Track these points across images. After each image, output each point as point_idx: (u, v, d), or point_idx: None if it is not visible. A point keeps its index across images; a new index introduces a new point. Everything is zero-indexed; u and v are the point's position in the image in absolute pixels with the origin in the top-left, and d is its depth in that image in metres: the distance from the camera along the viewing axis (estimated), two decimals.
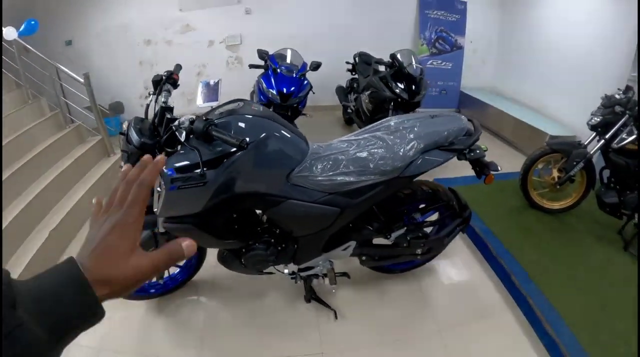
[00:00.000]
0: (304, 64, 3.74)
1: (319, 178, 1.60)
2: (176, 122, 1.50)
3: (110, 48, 5.50)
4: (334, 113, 5.32)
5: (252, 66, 3.68)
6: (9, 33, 3.78)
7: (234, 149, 1.43)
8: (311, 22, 5.13)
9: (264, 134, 1.52)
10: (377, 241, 2.01)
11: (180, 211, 1.58)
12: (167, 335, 2.09)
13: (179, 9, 5.18)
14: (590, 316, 1.94)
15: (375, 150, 1.64)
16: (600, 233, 2.60)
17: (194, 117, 1.49)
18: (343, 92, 4.77)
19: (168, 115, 1.61)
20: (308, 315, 2.12)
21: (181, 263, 2.24)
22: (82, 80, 3.84)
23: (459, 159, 1.74)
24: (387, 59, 3.67)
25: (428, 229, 2.10)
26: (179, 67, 2.04)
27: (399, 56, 3.49)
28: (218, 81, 4.34)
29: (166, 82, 1.80)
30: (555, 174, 2.73)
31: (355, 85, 4.44)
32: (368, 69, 4.06)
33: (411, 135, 1.65)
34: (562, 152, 2.68)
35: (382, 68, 3.62)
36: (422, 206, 2.04)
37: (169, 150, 1.57)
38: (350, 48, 4.66)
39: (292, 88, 3.44)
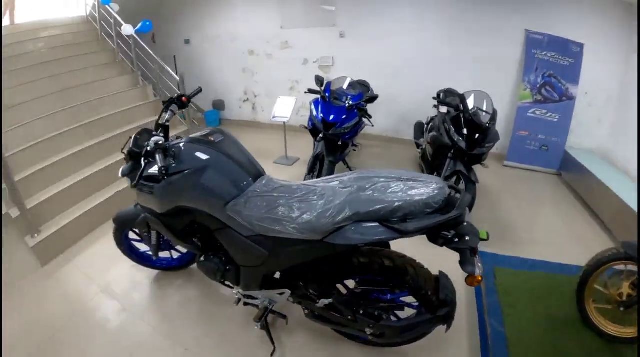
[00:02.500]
0: (360, 94, 3.55)
1: (250, 216, 1.56)
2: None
3: (220, 52, 6.25)
4: (414, 150, 4.92)
5: (309, 91, 3.62)
6: (127, 29, 4.74)
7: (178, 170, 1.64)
8: (404, 51, 4.90)
9: (201, 164, 1.65)
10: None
11: (149, 207, 1.87)
12: (147, 301, 2.56)
13: (280, 27, 5.56)
14: None
15: (304, 204, 1.49)
16: None
17: (159, 139, 1.68)
18: (420, 130, 4.41)
19: (154, 132, 1.88)
20: (253, 339, 2.15)
21: (184, 251, 2.65)
22: (177, 78, 4.46)
23: (430, 241, 1.39)
24: None
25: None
26: (198, 90, 2.23)
27: (468, 98, 3.03)
28: (294, 100, 4.56)
29: (174, 103, 2.00)
30: (626, 289, 1.97)
31: (431, 123, 4.06)
32: None
33: (349, 197, 1.41)
34: None
35: (443, 109, 3.15)
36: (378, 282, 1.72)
37: (151, 159, 1.73)
38: (443, 83, 4.28)
39: (343, 116, 3.28)
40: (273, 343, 2.03)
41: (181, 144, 1.72)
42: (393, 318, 1.81)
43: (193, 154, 1.68)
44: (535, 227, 3.33)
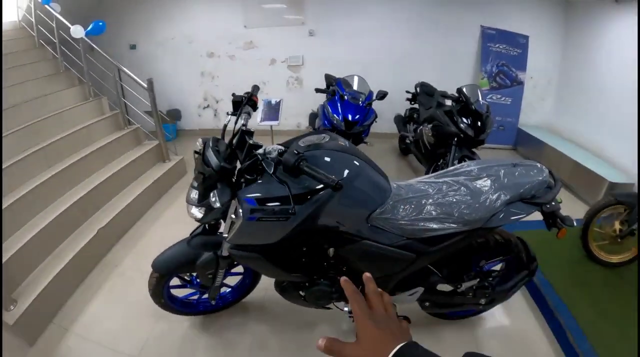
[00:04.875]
0: (371, 93, 3.72)
1: (400, 222, 1.53)
2: (261, 150, 1.44)
3: (173, 56, 5.70)
4: (390, 141, 5.31)
5: (318, 90, 3.70)
6: (77, 31, 3.92)
7: (321, 186, 1.37)
8: (372, 48, 5.18)
9: (350, 173, 1.45)
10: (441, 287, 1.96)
11: (253, 241, 1.54)
12: (209, 354, 2.06)
13: (243, 26, 5.34)
14: None
15: (460, 197, 1.57)
16: None
17: (281, 148, 1.48)
18: (402, 122, 4.74)
19: (250, 141, 1.48)
20: None
21: (232, 284, 2.25)
22: (145, 85, 3.93)
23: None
24: (449, 91, 3.58)
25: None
26: (256, 88, 1.84)
27: (465, 91, 3.41)
28: (279, 101, 4.24)
29: (246, 104, 1.68)
30: (617, 226, 2.65)
31: (415, 115, 4.40)
32: (430, 100, 3.99)
33: (497, 185, 1.59)
34: (626, 204, 2.62)
35: (447, 102, 3.57)
36: (492, 255, 1.95)
37: (248, 177, 1.47)
38: (410, 77, 4.68)
39: (358, 116, 3.42)
40: None
41: (311, 153, 1.44)
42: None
43: (333, 162, 1.46)
44: None
